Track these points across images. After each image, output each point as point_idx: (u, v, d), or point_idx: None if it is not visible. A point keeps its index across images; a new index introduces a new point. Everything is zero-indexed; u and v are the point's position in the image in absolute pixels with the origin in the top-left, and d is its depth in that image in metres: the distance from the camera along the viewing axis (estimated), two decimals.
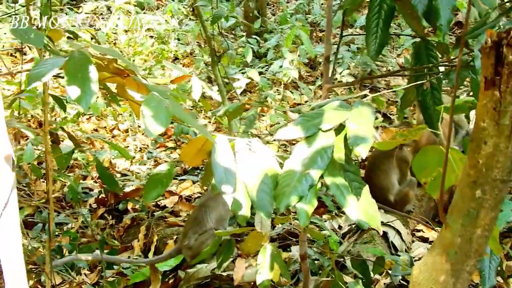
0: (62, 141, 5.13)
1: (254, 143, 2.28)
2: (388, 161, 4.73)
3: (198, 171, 5.57)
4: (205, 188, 5.27)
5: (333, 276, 3.33)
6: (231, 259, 4.11)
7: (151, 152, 5.94)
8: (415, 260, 3.96)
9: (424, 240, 4.56)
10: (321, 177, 2.21)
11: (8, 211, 2.04)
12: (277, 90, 6.65)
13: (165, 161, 5.87)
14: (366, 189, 2.34)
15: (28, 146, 4.93)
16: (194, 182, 5.46)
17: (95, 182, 5.41)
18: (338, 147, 2.31)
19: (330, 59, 3.28)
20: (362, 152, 2.15)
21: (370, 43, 2.97)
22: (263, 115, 6.61)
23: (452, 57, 3.05)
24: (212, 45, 4.88)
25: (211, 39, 4.86)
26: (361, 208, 2.28)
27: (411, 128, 2.07)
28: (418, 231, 4.70)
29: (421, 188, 4.97)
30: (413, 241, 4.52)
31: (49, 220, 3.18)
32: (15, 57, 7.43)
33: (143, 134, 6.48)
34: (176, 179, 5.64)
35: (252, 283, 4.03)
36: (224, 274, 4.02)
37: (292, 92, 7.09)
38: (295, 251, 4.15)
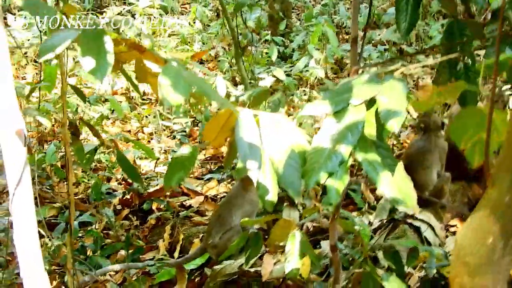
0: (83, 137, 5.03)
1: (280, 118, 2.14)
2: (431, 156, 4.51)
3: (224, 170, 5.44)
4: (230, 186, 5.14)
5: (365, 268, 3.17)
6: (259, 255, 3.97)
7: (175, 151, 5.82)
8: (450, 255, 3.77)
9: None
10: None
11: (21, 190, 1.94)
12: (304, 90, 6.50)
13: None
14: (400, 166, 2.19)
15: (50, 147, 4.87)
16: (219, 182, 5.32)
17: (119, 184, 5.31)
18: (369, 122, 2.17)
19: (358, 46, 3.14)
20: (394, 126, 2.01)
21: (401, 22, 2.83)
22: (290, 115, 6.46)
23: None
24: (236, 37, 4.74)
25: (234, 30, 4.74)
26: (396, 185, 2.13)
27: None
28: (452, 226, 4.50)
29: (454, 183, 4.79)
30: (447, 236, 4.33)
31: (71, 209, 3.08)
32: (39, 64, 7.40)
33: (168, 136, 6.38)
34: (202, 179, 5.52)
35: (281, 279, 3.88)
36: (252, 270, 3.87)
37: (319, 93, 6.94)
38: (325, 245, 3.99)
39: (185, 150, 2.50)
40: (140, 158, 5.72)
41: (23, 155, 1.92)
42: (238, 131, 2.07)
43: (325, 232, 4.19)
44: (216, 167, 5.61)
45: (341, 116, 2.18)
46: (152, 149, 5.85)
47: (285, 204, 4.39)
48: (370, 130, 2.15)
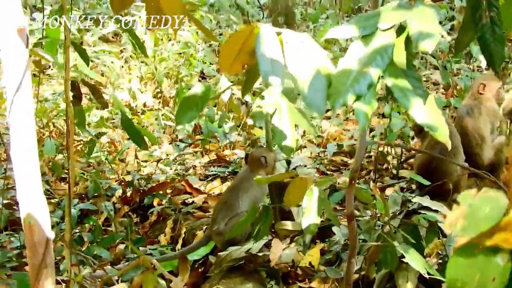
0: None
1: (305, 38, 1.98)
2: (456, 144, 4.36)
3: (227, 169, 5.25)
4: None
5: (383, 240, 2.97)
6: (266, 240, 3.76)
7: (178, 145, 5.64)
8: None
9: None
10: None
11: (21, 97, 1.76)
12: None
13: (193, 166, 5.57)
14: (431, 98, 2.04)
15: (49, 141, 4.69)
16: (222, 181, 5.13)
17: (120, 183, 5.09)
18: (398, 50, 2.02)
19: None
20: (428, 46, 1.85)
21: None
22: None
23: None
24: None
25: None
26: (429, 111, 1.96)
27: None
28: None
29: (470, 179, 4.64)
30: None
31: (70, 174, 2.88)
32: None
33: (170, 143, 6.19)
34: (204, 180, 5.32)
35: (290, 266, 3.67)
36: (260, 254, 3.65)
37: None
38: (337, 232, 3.78)
39: (198, 88, 2.33)
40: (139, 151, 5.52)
41: (25, 56, 1.75)
42: (259, 47, 1.90)
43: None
44: (220, 168, 5.40)
45: (369, 40, 2.03)
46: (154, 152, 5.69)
47: None
48: (400, 58, 2.01)
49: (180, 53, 6.88)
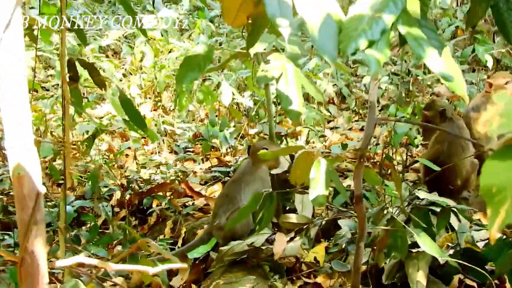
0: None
1: None
2: (467, 135, 4.25)
3: (228, 173, 5.11)
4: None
5: (393, 225, 2.83)
6: (269, 234, 3.61)
7: (178, 145, 5.50)
8: (477, 242, 3.43)
9: (484, 226, 4.01)
10: None
11: (11, 34, 1.63)
12: (314, 107, 6.26)
13: (194, 172, 5.43)
14: (447, 50, 1.93)
15: (46, 140, 4.56)
16: (223, 185, 4.98)
17: (120, 186, 4.94)
18: None
19: None
20: None
21: None
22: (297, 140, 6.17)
23: None
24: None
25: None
26: (445, 62, 1.85)
27: None
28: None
29: (477, 177, 4.49)
30: (470, 227, 3.96)
31: (65, 153, 2.75)
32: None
33: (170, 152, 6.06)
34: (204, 185, 5.18)
35: (295, 259, 3.51)
36: (263, 248, 3.49)
37: (329, 112, 6.72)
38: (343, 224, 3.64)
39: (200, 48, 2.21)
40: (143, 167, 5.39)
41: None
42: None
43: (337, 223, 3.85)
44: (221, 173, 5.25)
45: None
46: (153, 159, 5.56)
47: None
48: (414, 7, 1.92)
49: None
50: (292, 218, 3.66)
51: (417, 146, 5.90)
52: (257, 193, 2.90)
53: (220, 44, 8.15)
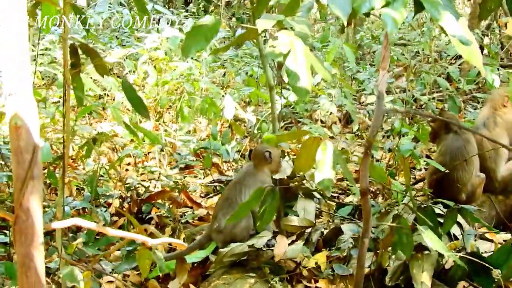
0: None
1: None
2: (471, 153, 4.18)
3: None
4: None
5: (398, 222, 2.76)
6: (270, 236, 3.53)
7: (179, 153, 5.43)
8: (482, 253, 3.35)
9: (488, 240, 3.92)
10: None
11: None
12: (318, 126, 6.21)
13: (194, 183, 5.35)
14: (464, 20, 1.90)
15: (46, 144, 4.50)
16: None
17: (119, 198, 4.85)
18: None
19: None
20: None
21: None
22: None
23: None
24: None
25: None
26: (461, 26, 1.81)
27: None
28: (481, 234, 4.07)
29: (483, 194, 4.42)
30: (475, 240, 3.87)
31: (65, 138, 2.69)
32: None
33: (171, 168, 5.99)
34: (204, 197, 5.10)
35: (297, 262, 3.42)
36: (264, 249, 3.41)
37: (332, 132, 6.67)
38: (346, 229, 3.55)
39: (207, 19, 2.17)
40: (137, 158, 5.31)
41: None
42: None
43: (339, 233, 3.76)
44: (221, 187, 5.17)
45: None
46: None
47: (299, 196, 3.96)
48: None
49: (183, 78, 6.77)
50: (294, 221, 3.59)
51: (420, 169, 5.84)
52: (259, 188, 2.83)
53: (225, 61, 8.17)
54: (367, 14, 1.93)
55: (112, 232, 1.83)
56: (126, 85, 2.83)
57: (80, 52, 2.86)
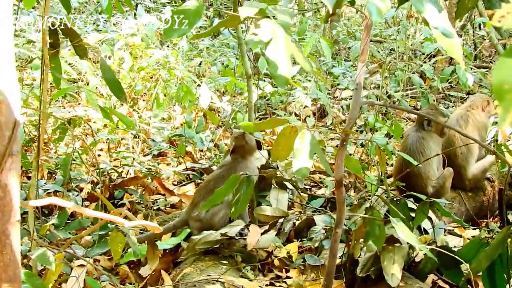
0: None
1: None
2: (431, 147, 4.24)
3: (203, 173, 5.03)
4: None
5: (371, 213, 2.79)
6: (243, 225, 3.54)
7: (154, 140, 5.42)
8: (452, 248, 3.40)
9: (457, 235, 3.99)
10: None
11: None
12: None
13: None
14: (445, 13, 1.93)
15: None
16: (196, 185, 4.90)
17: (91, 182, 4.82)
18: None
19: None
20: None
21: None
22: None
23: None
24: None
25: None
26: (444, 19, 1.84)
27: None
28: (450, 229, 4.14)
29: (452, 190, 4.48)
30: (444, 235, 3.94)
31: (40, 122, 2.67)
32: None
33: (144, 155, 5.96)
34: (177, 185, 5.09)
35: (269, 252, 3.45)
36: (237, 238, 3.42)
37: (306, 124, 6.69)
38: (319, 221, 3.59)
39: (190, 3, 2.17)
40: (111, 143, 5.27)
41: None
42: None
43: (311, 224, 3.80)
44: (194, 175, 5.16)
45: None
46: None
47: (272, 186, 3.98)
48: None
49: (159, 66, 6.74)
50: (267, 210, 3.61)
51: (392, 165, 5.91)
52: (233, 176, 2.84)
53: (201, 51, 8.15)
54: (352, 3, 1.95)
55: (89, 212, 1.82)
56: (104, 67, 2.82)
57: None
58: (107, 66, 2.80)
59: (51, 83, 3.36)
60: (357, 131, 6.74)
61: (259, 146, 3.94)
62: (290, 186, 4.10)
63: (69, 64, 6.26)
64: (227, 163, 3.83)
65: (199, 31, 9.88)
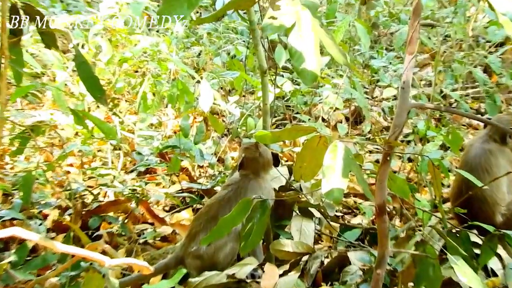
0: None
1: None
2: (499, 163, 4.22)
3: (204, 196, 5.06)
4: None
5: (422, 249, 2.79)
6: (256, 265, 3.55)
7: (140, 153, 5.44)
8: None
9: None
10: None
11: None
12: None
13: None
14: None
15: None
16: (194, 211, 4.92)
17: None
18: None
19: None
20: None
21: None
22: None
23: None
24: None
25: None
26: None
27: None
28: None
29: None
30: None
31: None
32: None
33: (127, 172, 5.99)
34: (169, 211, 5.12)
35: None
36: (248, 281, 3.44)
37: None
38: (354, 258, 3.59)
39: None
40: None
41: None
42: None
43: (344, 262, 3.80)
44: (192, 198, 5.18)
45: None
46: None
47: (294, 213, 4.00)
48: None
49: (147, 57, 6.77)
50: (287, 245, 3.62)
51: (449, 186, 5.89)
52: (244, 199, 2.84)
53: (201, 38, 8.19)
54: None
55: (58, 246, 1.83)
56: (80, 60, 2.84)
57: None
58: (82, 58, 2.81)
59: (8, 80, 3.39)
60: (403, 141, 6.73)
61: (276, 161, 3.95)
62: (317, 214, 4.10)
63: (32, 54, 6.30)
64: (234, 182, 3.84)
65: (199, 13, 9.95)
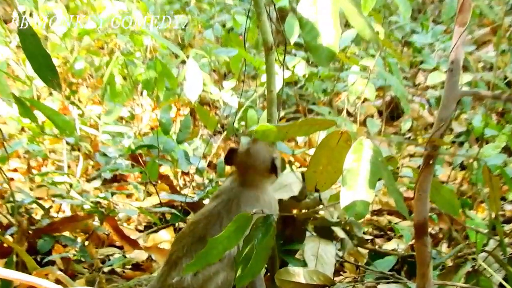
0: None
1: None
2: None
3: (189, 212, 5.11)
4: None
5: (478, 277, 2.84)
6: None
7: (106, 155, 5.49)
8: None
9: None
10: None
11: None
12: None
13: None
14: None
15: None
16: (176, 231, 4.97)
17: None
18: None
19: None
20: None
21: None
22: None
23: None
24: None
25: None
26: None
27: None
28: None
29: None
30: None
31: None
32: None
33: (88, 180, 6.06)
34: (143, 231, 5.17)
35: None
36: None
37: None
38: None
39: None
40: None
41: None
42: None
43: None
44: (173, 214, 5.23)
45: None
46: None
47: (308, 233, 4.05)
48: None
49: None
50: (299, 275, 3.65)
51: None
52: (241, 215, 2.87)
53: (187, 4, 8.23)
54: None
55: (1, 272, 1.89)
56: (26, 32, 2.88)
57: None
58: (30, 29, 2.86)
59: None
60: (454, 142, 6.75)
61: (274, 167, 3.94)
62: (341, 234, 4.13)
63: None
64: (223, 191, 3.86)
65: None
